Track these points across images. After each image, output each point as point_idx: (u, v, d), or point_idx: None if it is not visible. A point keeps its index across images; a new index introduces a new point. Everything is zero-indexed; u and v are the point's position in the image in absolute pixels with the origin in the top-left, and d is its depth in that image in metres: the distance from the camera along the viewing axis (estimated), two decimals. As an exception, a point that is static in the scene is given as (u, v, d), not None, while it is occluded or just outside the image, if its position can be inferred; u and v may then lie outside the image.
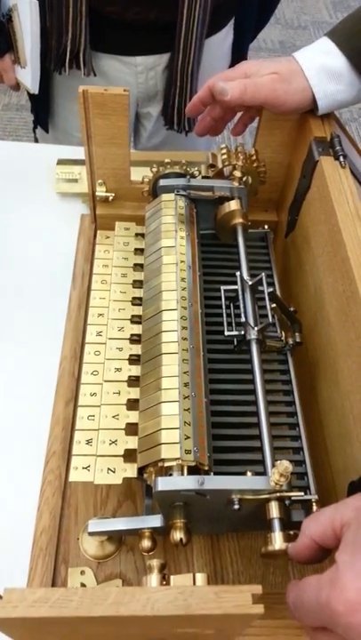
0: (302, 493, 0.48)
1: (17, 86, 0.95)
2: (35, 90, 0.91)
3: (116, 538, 0.57)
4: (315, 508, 0.51)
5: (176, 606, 0.34)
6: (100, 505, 0.59)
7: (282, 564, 0.58)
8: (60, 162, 0.94)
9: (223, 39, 1.05)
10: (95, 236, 0.79)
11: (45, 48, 0.91)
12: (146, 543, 0.51)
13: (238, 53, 1.11)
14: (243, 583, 0.57)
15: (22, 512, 0.59)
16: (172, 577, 0.45)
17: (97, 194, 0.77)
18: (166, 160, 0.71)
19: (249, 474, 0.49)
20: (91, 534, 0.54)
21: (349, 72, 0.63)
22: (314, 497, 0.51)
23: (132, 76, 0.99)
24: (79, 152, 0.75)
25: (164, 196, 0.68)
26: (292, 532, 0.48)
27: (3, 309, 0.78)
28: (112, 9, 0.89)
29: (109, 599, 0.34)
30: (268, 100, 0.64)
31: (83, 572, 0.56)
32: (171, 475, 0.48)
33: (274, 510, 0.46)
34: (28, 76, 0.90)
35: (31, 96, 1.06)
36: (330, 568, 0.37)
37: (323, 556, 0.40)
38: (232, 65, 1.10)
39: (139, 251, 0.71)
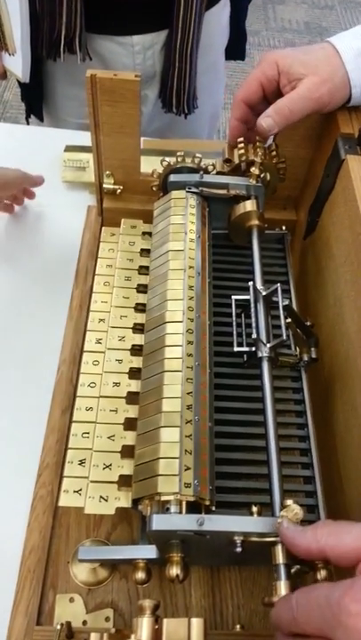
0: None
1: (4, 75, 0.89)
2: (26, 79, 0.85)
3: (109, 563, 0.53)
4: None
5: None
6: (93, 526, 0.55)
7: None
8: (68, 148, 0.89)
9: (221, 11, 0.98)
10: (101, 230, 0.74)
11: (35, 33, 0.85)
12: (140, 575, 0.47)
13: (237, 27, 1.05)
14: (243, 618, 0.53)
15: (12, 523, 0.56)
16: (165, 621, 0.41)
17: (104, 186, 0.72)
18: (178, 153, 0.65)
19: (254, 509, 0.44)
20: (81, 562, 0.50)
21: None
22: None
23: (128, 57, 0.93)
24: (88, 137, 0.69)
25: (175, 194, 0.63)
26: (296, 567, 0.44)
27: (3, 302, 0.74)
28: None
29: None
30: (314, 110, 0.60)
31: (72, 600, 0.52)
32: (168, 509, 0.43)
33: (280, 555, 0.41)
34: (19, 64, 0.83)
35: (22, 84, 0.99)
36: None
37: None
38: (231, 40, 1.05)
39: (145, 252, 0.66)
